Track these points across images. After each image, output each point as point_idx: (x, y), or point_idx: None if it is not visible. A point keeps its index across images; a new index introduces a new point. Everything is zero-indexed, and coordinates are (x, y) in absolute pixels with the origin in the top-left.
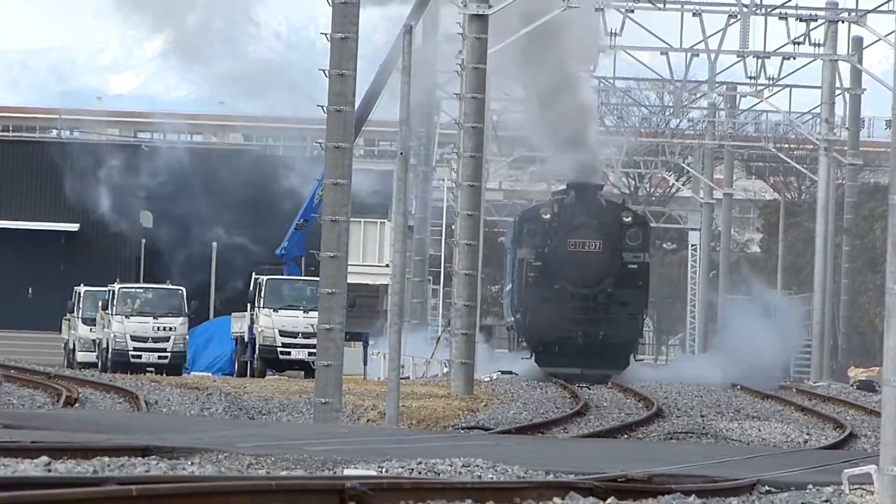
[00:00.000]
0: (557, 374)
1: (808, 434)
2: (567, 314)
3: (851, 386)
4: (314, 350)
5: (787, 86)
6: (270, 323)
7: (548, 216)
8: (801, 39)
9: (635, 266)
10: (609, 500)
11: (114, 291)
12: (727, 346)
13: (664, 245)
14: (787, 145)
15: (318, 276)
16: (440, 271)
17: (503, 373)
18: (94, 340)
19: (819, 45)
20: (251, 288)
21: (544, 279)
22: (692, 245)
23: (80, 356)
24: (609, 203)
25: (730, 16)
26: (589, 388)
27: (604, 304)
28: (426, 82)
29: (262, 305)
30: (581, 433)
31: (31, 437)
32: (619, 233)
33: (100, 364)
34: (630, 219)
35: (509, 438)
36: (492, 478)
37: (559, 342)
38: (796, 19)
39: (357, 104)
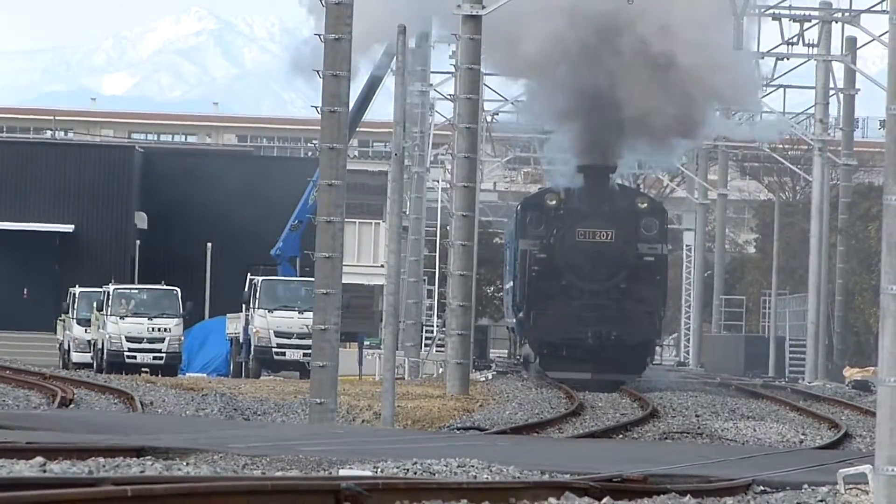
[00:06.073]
0: (565, 381)
1: (803, 434)
2: (575, 312)
3: (847, 386)
4: (309, 351)
5: (781, 86)
6: (265, 324)
7: (553, 202)
8: (794, 40)
9: (652, 258)
10: (604, 501)
11: (108, 292)
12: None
13: None
14: (781, 146)
15: (312, 277)
16: (435, 272)
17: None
18: (88, 341)
19: (813, 45)
20: (246, 289)
21: (550, 273)
22: (687, 246)
23: (75, 357)
24: (622, 188)
25: None
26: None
27: (617, 301)
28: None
29: (257, 306)
30: (576, 433)
31: (26, 438)
32: (634, 221)
33: (95, 365)
34: (646, 206)
35: (505, 439)
36: (487, 478)
37: (567, 344)
38: (790, 19)
39: (351, 105)
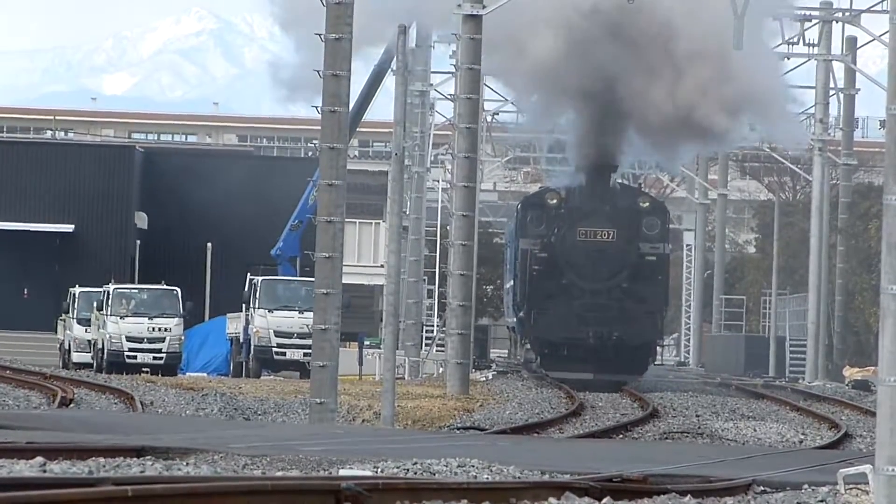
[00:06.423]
0: (566, 381)
1: (803, 434)
2: (576, 312)
3: (847, 386)
4: (309, 350)
5: None
6: (265, 323)
7: (554, 201)
8: (795, 39)
9: (654, 258)
10: (605, 501)
11: (108, 292)
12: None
13: None
14: (781, 145)
15: (313, 277)
16: (435, 272)
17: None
18: (89, 341)
19: (813, 45)
20: (246, 289)
21: (550, 273)
22: (687, 245)
23: (76, 357)
24: (624, 187)
25: None
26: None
27: (618, 301)
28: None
29: (257, 306)
30: (577, 433)
31: (26, 438)
32: (636, 220)
33: (95, 365)
34: (647, 205)
35: (505, 438)
36: (487, 478)
37: (567, 344)
38: (791, 19)
39: (351, 105)
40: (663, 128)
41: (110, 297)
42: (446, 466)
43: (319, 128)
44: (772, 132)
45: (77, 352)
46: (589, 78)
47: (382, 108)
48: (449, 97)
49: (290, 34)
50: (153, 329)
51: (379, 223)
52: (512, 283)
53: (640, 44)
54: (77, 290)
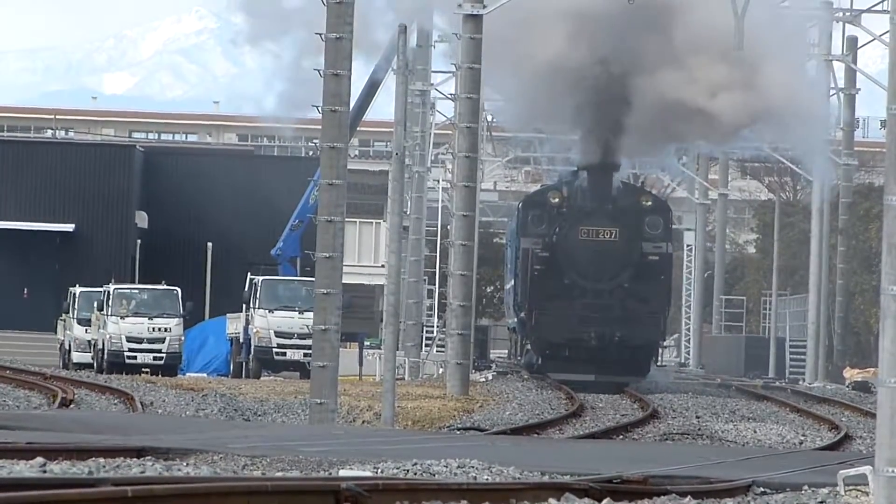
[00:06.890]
0: (567, 382)
1: (803, 435)
2: (578, 312)
3: (847, 387)
4: (310, 351)
5: None
6: (266, 324)
7: (556, 200)
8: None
9: (656, 257)
10: (605, 502)
11: (109, 292)
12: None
13: None
14: (782, 145)
15: (313, 277)
16: (435, 272)
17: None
18: (89, 341)
19: (813, 44)
20: (246, 289)
21: (552, 272)
22: (687, 246)
23: (76, 357)
24: (626, 186)
25: None
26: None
27: (620, 301)
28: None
29: (257, 306)
30: (577, 434)
31: (26, 438)
32: (638, 219)
33: (95, 365)
34: (650, 203)
35: (505, 439)
36: (487, 479)
37: (569, 345)
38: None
39: (352, 104)
40: (668, 124)
41: (110, 297)
42: (446, 467)
43: (320, 127)
44: (786, 139)
45: (77, 352)
46: (593, 75)
47: (383, 108)
48: (449, 96)
49: (264, 55)
50: (153, 329)
51: (379, 223)
52: (513, 283)
53: (649, 39)
54: (77, 290)
